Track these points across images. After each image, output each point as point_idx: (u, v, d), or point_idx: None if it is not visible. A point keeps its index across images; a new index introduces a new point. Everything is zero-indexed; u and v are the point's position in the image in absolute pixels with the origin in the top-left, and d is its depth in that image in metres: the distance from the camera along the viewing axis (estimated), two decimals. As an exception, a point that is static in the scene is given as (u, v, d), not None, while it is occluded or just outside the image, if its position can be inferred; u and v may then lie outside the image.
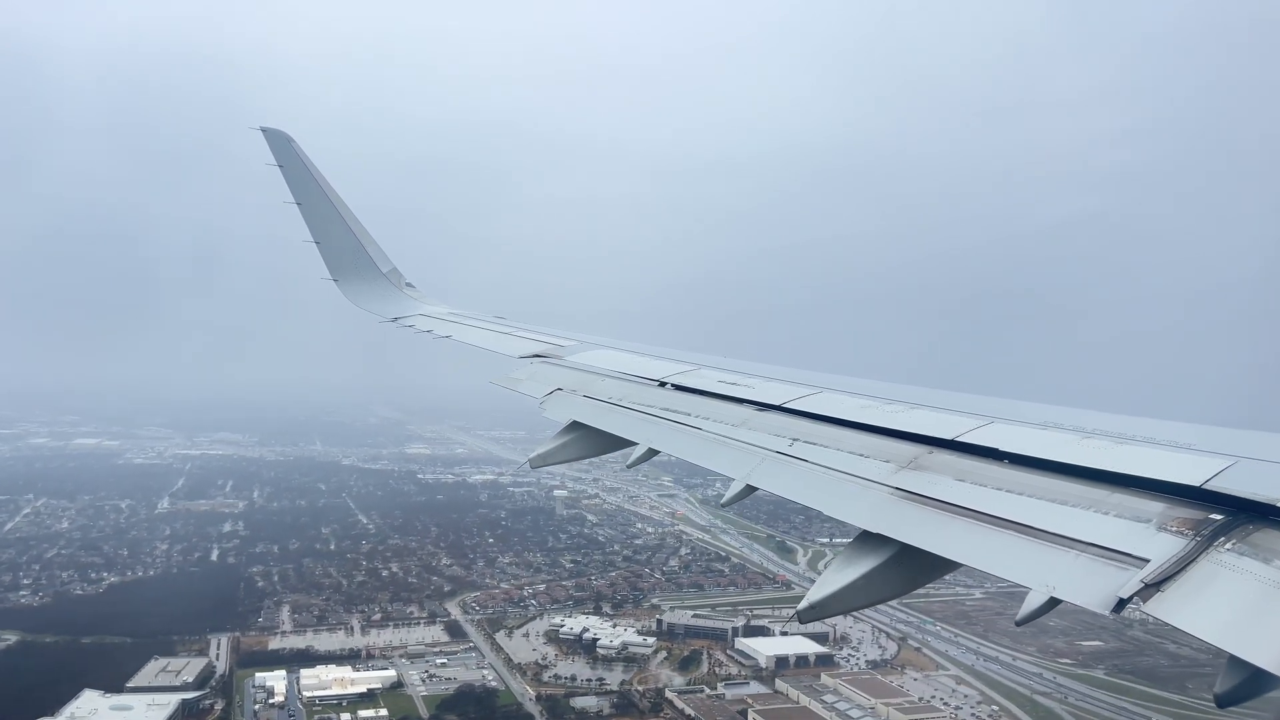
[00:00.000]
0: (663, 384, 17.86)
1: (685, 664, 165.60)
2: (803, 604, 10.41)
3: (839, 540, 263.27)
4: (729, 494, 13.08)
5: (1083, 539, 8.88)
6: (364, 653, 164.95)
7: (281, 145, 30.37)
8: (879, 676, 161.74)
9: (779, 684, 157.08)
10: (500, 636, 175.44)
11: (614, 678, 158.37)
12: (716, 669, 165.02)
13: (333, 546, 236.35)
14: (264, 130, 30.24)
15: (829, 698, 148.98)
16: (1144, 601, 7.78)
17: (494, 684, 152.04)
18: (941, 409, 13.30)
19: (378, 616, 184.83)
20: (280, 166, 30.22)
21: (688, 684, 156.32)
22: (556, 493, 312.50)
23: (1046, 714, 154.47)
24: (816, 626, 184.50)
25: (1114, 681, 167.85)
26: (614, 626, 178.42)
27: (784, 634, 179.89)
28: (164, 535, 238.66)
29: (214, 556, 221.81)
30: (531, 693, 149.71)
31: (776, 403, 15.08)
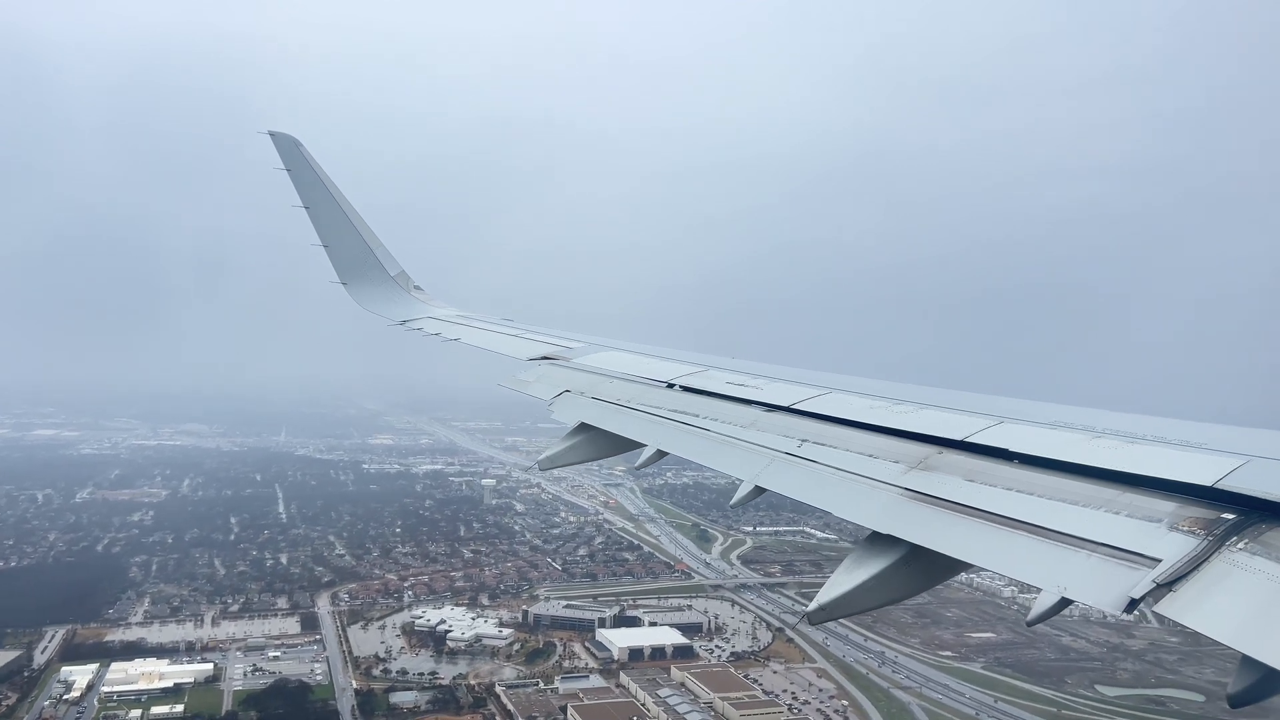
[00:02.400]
0: (670, 385, 17.72)
1: (534, 657, 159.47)
2: (812, 605, 10.36)
3: (762, 530, 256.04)
4: (738, 495, 12.92)
5: (1094, 539, 8.81)
6: (198, 645, 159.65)
7: (289, 149, 30.11)
8: (733, 670, 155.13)
9: (623, 677, 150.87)
10: (355, 629, 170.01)
11: (454, 670, 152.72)
12: (565, 661, 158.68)
13: (232, 536, 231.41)
14: (272, 134, 30.01)
15: (665, 691, 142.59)
16: (1156, 601, 7.66)
17: (319, 678, 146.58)
18: (950, 409, 13.18)
19: (236, 608, 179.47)
20: (288, 170, 30.01)
21: (524, 678, 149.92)
22: (484, 482, 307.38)
23: (899, 708, 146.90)
24: (692, 616, 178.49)
25: (987, 675, 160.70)
26: (474, 618, 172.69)
27: (653, 624, 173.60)
28: (64, 525, 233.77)
29: (100, 547, 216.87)
30: (356, 686, 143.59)
31: (785, 404, 14.99)
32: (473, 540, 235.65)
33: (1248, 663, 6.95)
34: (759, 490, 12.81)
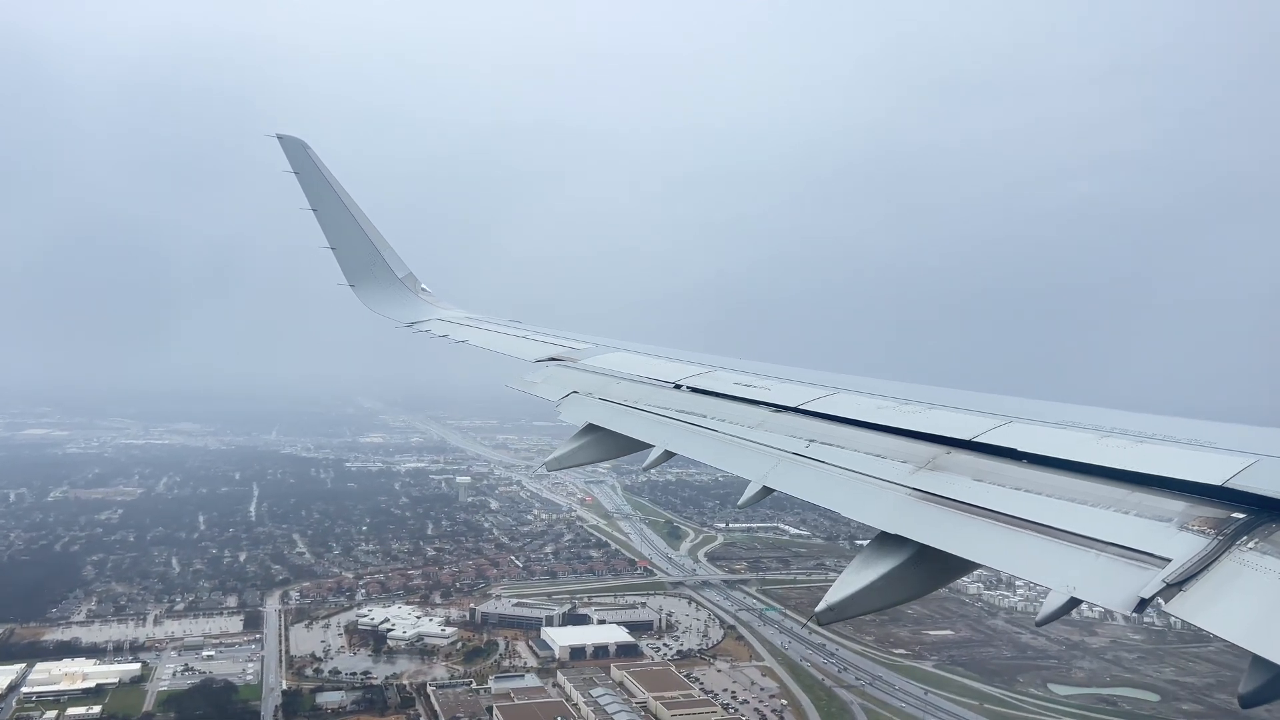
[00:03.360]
0: (678, 386, 17.74)
1: (473, 656, 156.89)
2: (821, 605, 10.31)
3: (735, 526, 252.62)
4: (745, 495, 12.91)
5: (1103, 539, 8.78)
6: (134, 645, 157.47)
7: (297, 152, 30.16)
8: (674, 669, 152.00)
9: (560, 676, 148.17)
10: (299, 628, 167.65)
11: (390, 670, 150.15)
12: (506, 660, 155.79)
13: (195, 535, 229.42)
14: (280, 137, 30.08)
15: (599, 690, 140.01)
16: (1166, 601, 7.62)
17: (249, 678, 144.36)
18: (958, 409, 13.14)
19: (182, 607, 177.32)
20: (296, 173, 30.04)
21: (459, 677, 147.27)
22: (460, 479, 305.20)
23: (840, 707, 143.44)
24: (644, 614, 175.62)
25: (936, 673, 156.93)
26: (419, 617, 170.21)
27: (601, 623, 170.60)
28: (29, 523, 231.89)
29: (59, 546, 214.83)
30: (286, 686, 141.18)
31: (792, 404, 14.95)
32: (439, 538, 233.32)
33: (1259, 663, 7.05)
34: (767, 491, 12.82)
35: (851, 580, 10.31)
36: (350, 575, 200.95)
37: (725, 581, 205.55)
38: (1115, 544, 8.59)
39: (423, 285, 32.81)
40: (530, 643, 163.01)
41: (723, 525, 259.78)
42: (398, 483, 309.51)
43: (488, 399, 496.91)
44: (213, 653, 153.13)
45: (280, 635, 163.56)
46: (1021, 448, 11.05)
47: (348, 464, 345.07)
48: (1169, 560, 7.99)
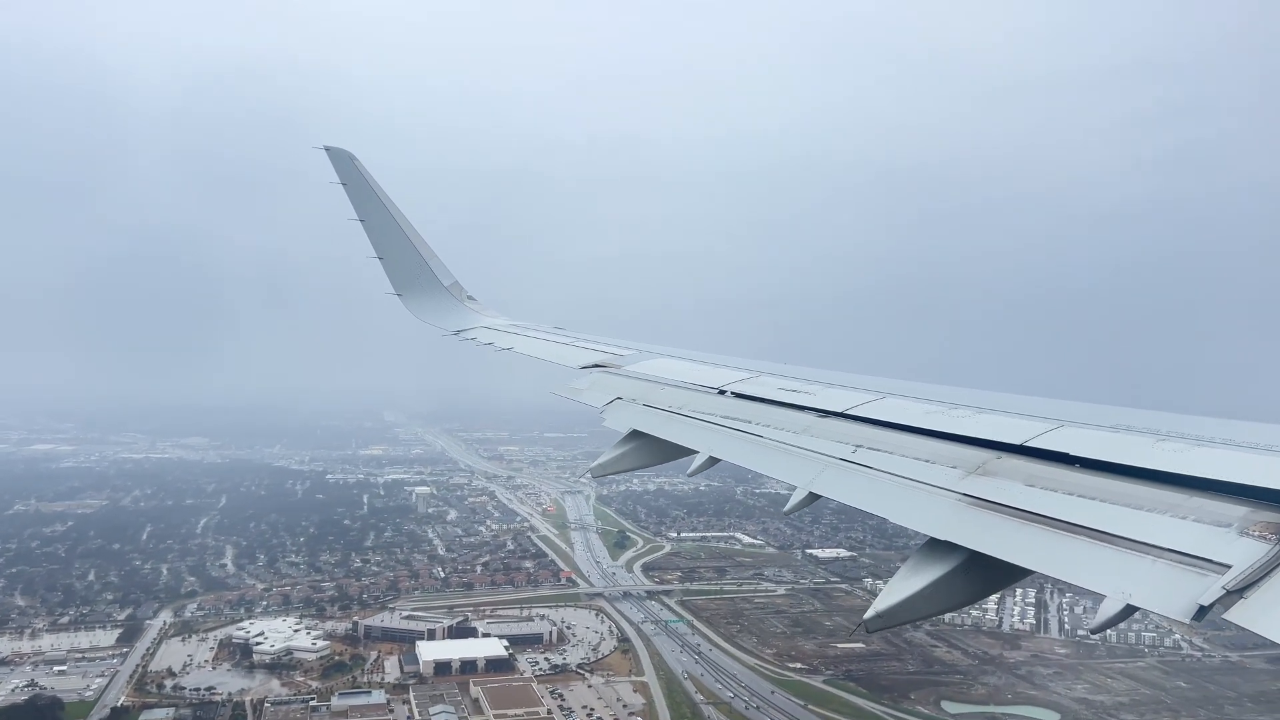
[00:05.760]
0: (722, 392, 17.64)
1: (335, 670, 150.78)
2: (869, 613, 10.12)
3: (686, 535, 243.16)
4: (791, 502, 12.78)
5: (1160, 544, 8.62)
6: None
7: (345, 163, 30.46)
8: (535, 686, 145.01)
9: (412, 693, 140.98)
10: (174, 641, 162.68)
11: (244, 684, 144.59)
12: (371, 675, 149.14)
13: (129, 547, 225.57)
14: (328, 149, 30.37)
15: (437, 709, 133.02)
16: (1226, 609, 7.50)
17: (89, 694, 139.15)
18: (1008, 413, 12.99)
19: (67, 620, 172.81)
20: (344, 184, 30.41)
21: (306, 692, 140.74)
22: (418, 490, 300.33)
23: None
24: (537, 627, 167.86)
25: (823, 689, 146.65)
26: (296, 630, 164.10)
27: (485, 635, 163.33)
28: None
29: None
30: (123, 702, 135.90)
31: (838, 409, 14.86)
32: (373, 549, 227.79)
33: None
34: (813, 497, 12.60)
35: (900, 587, 10.09)
36: (262, 587, 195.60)
37: (647, 593, 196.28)
38: (1172, 550, 8.40)
39: (468, 293, 32.92)
40: (402, 657, 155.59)
41: (674, 535, 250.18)
42: (368, 494, 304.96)
43: (520, 409, 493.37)
44: (65, 668, 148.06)
45: (149, 649, 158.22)
46: (1074, 452, 10.90)
47: (330, 476, 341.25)
48: (1229, 567, 7.80)
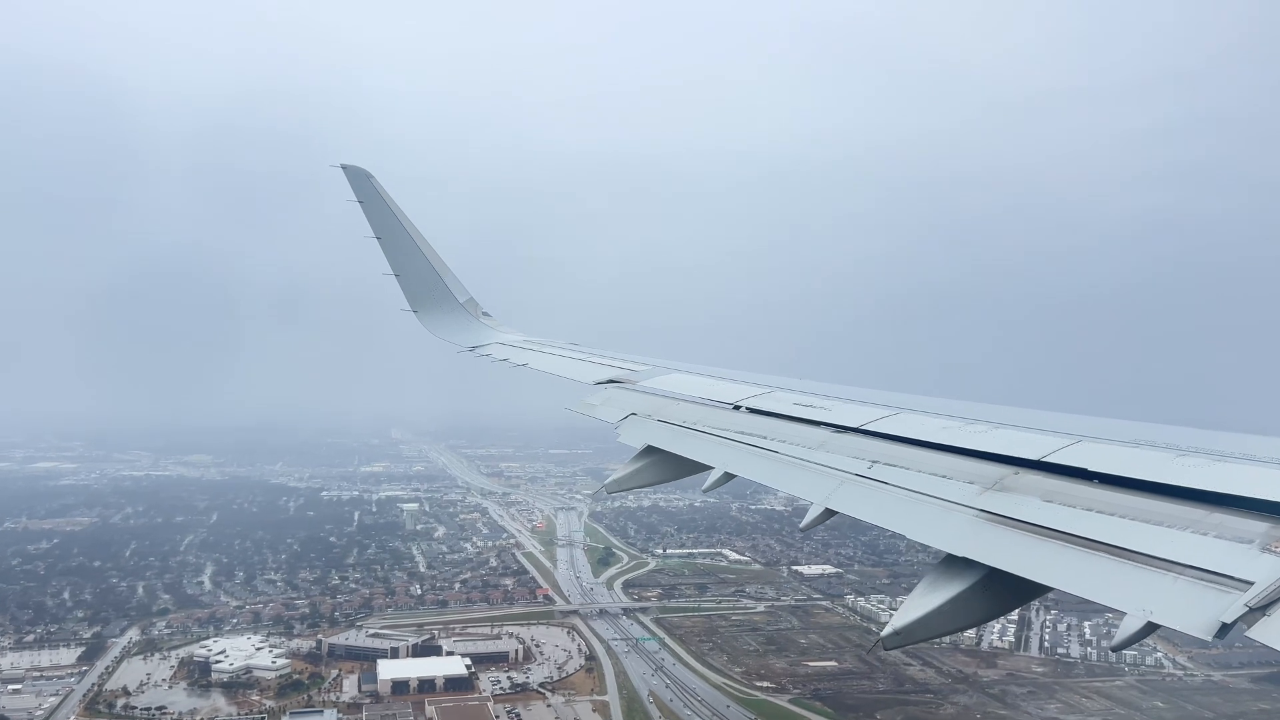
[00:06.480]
0: (737, 407, 17.74)
1: (290, 690, 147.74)
2: (886, 630, 10.20)
3: (673, 551, 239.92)
4: (808, 518, 12.79)
5: (1181, 561, 8.61)
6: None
7: (361, 181, 30.98)
8: (491, 705, 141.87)
9: (365, 713, 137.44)
10: (136, 660, 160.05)
11: (196, 704, 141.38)
12: (329, 695, 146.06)
13: (108, 565, 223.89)
14: (344, 167, 30.83)
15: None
16: (1249, 627, 7.50)
17: (39, 715, 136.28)
18: (1026, 428, 13.01)
19: (32, 638, 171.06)
20: (360, 202, 30.91)
21: (254, 713, 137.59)
22: (405, 506, 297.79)
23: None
24: (503, 645, 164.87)
25: (788, 709, 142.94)
26: (259, 648, 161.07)
27: (449, 654, 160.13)
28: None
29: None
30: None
31: (854, 425, 14.90)
32: (353, 566, 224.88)
33: None
34: (830, 513, 12.58)
35: (918, 604, 10.08)
36: (235, 604, 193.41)
37: (623, 610, 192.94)
38: (1194, 566, 8.36)
39: (484, 309, 33.05)
40: (361, 676, 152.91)
41: (660, 552, 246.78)
42: (360, 511, 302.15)
43: (529, 427, 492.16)
44: (20, 686, 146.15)
45: (108, 668, 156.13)
46: (1093, 467, 10.88)
47: (325, 493, 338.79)
48: (1251, 584, 7.74)
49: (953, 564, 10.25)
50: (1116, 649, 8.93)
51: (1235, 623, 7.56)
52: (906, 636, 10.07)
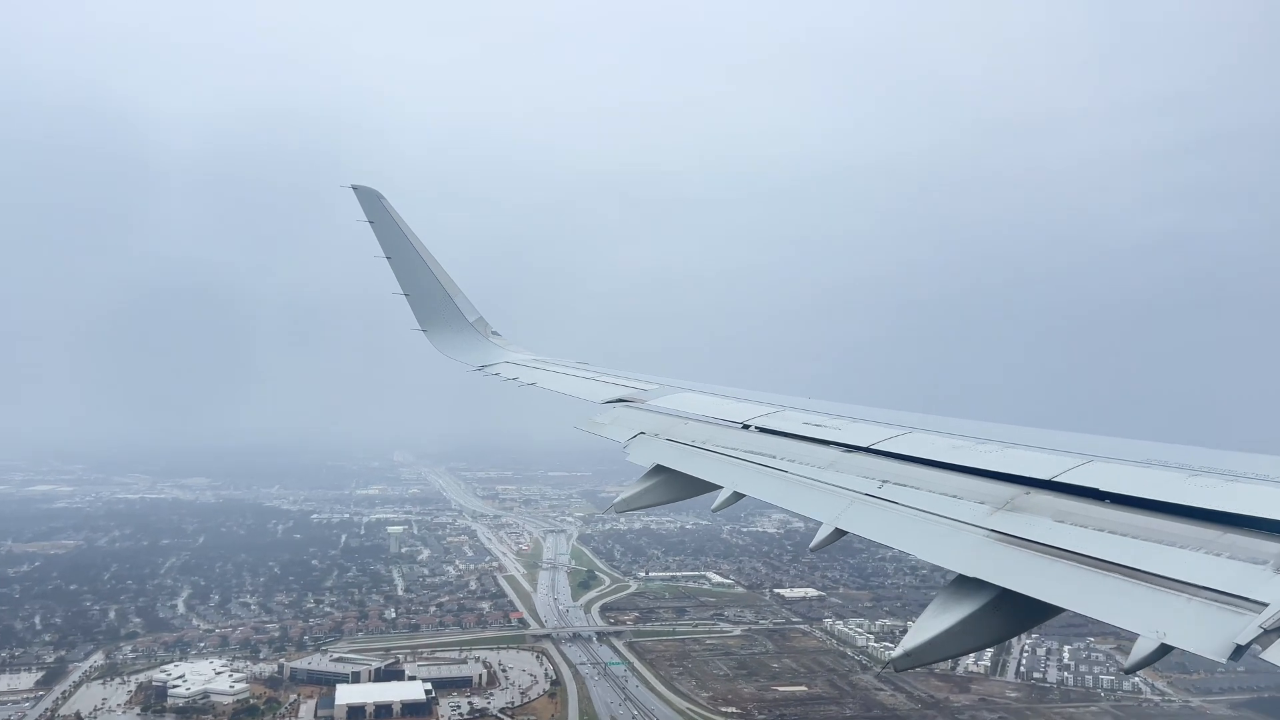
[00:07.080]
0: (746, 426, 17.60)
1: (246, 715, 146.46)
2: (896, 651, 10.06)
3: (656, 574, 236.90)
4: (817, 538, 12.67)
5: (1194, 582, 8.48)
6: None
7: (372, 202, 30.99)
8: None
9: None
10: (95, 685, 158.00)
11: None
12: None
13: (84, 588, 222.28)
14: (355, 188, 30.87)
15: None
16: (1263, 649, 7.36)
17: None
18: (1037, 448, 12.90)
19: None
20: (370, 222, 30.96)
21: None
22: (391, 529, 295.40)
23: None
24: (468, 669, 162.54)
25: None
26: (218, 673, 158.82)
27: (411, 678, 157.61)
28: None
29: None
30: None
31: (864, 444, 14.75)
32: (331, 590, 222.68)
33: None
34: (839, 533, 12.43)
35: (928, 626, 9.88)
36: (205, 627, 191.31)
37: (597, 634, 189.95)
38: (1207, 588, 8.22)
39: (493, 329, 33.05)
40: (319, 701, 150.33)
41: (643, 575, 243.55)
42: (347, 534, 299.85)
43: (531, 448, 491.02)
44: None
45: (66, 692, 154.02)
46: (1104, 487, 10.75)
47: (315, 516, 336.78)
48: (1266, 605, 7.63)
49: (964, 585, 10.14)
50: (1129, 671, 8.64)
51: (1250, 644, 7.33)
52: (917, 658, 9.86)
